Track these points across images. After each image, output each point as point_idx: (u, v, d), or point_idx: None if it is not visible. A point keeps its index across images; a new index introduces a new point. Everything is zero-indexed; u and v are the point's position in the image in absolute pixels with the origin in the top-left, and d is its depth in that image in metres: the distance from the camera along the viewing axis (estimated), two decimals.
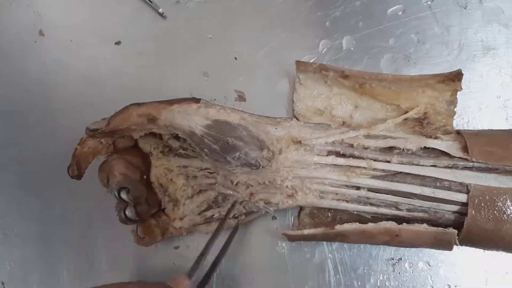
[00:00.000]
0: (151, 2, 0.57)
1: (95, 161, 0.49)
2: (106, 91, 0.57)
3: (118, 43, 0.58)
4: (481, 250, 0.49)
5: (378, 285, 0.51)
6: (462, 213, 0.45)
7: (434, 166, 0.46)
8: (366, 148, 0.47)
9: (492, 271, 0.50)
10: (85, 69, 0.58)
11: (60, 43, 0.59)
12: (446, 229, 0.44)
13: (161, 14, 0.57)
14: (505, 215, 0.43)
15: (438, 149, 0.46)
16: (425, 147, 0.47)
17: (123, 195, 0.47)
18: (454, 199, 0.45)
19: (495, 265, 0.50)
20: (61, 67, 0.59)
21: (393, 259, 0.51)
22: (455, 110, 0.48)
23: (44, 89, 0.59)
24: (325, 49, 0.55)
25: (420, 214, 0.46)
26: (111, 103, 0.49)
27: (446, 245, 0.45)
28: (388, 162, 0.46)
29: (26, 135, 0.59)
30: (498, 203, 0.43)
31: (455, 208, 0.45)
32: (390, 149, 0.47)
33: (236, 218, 0.51)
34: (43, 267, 0.58)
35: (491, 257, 0.49)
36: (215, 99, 0.55)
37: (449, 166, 0.45)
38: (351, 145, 0.47)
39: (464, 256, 0.50)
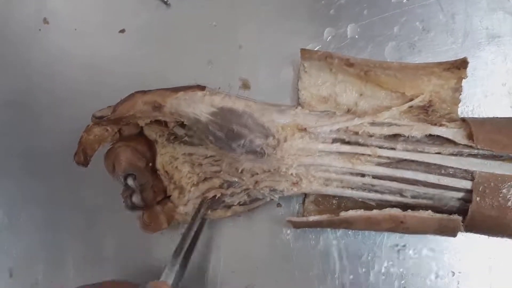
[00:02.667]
0: None
1: (101, 148, 0.49)
2: (110, 79, 0.57)
3: (122, 31, 0.58)
4: (485, 237, 0.49)
5: (383, 271, 0.51)
6: (466, 200, 0.45)
7: (439, 153, 0.46)
8: (371, 136, 0.47)
9: (496, 258, 0.50)
10: (90, 57, 0.58)
11: (65, 31, 0.59)
12: (451, 216, 0.45)
13: (165, 2, 0.57)
14: (509, 202, 0.43)
15: (443, 137, 0.46)
16: (430, 135, 0.46)
17: (129, 182, 0.47)
18: (459, 186, 0.45)
19: (499, 252, 0.50)
20: (65, 56, 0.59)
21: (397, 246, 0.51)
22: (460, 97, 0.48)
23: (49, 78, 0.59)
24: (329, 37, 0.54)
25: (425, 201, 0.46)
26: (116, 91, 0.49)
27: (451, 232, 0.46)
28: (393, 149, 0.46)
29: (31, 124, 0.59)
30: (503, 190, 0.43)
31: (459, 195, 0.45)
32: (395, 136, 0.47)
33: (242, 205, 0.51)
34: (49, 255, 0.58)
35: (495, 244, 0.50)
36: (219, 87, 0.55)
37: (454, 153, 0.45)
38: (356, 133, 0.47)
39: (468, 243, 0.50)
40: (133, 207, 0.48)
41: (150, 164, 0.50)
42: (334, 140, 0.48)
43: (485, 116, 0.51)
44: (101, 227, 0.57)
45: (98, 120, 0.47)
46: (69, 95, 0.58)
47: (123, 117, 0.46)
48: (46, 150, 0.58)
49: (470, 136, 0.45)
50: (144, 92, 0.46)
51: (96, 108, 0.48)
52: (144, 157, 0.49)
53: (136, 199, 0.47)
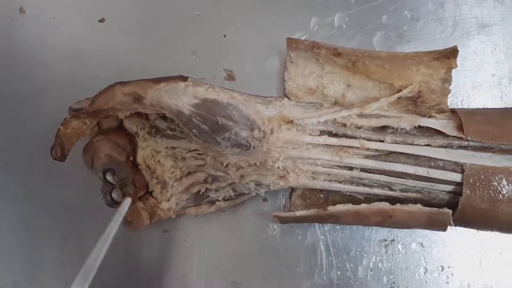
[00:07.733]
0: None
1: (80, 142, 0.47)
2: (90, 70, 0.55)
3: (102, 20, 0.56)
4: (475, 231, 0.49)
5: (371, 266, 0.50)
6: (456, 193, 0.44)
7: (428, 145, 0.45)
8: (359, 128, 0.46)
9: (486, 252, 0.49)
10: (68, 47, 0.56)
11: (42, 20, 0.57)
12: (441, 209, 0.44)
13: None
14: (500, 195, 0.43)
15: (433, 128, 0.45)
16: (419, 126, 0.46)
17: (109, 177, 0.45)
18: (449, 179, 0.44)
19: (489, 246, 0.49)
20: (43, 46, 0.56)
21: (386, 241, 0.50)
22: (449, 88, 0.47)
23: (26, 69, 0.56)
24: (316, 27, 0.53)
25: (414, 195, 0.46)
26: (95, 82, 0.47)
27: (440, 226, 0.45)
28: (382, 141, 0.46)
29: (8, 116, 0.57)
30: (493, 183, 0.43)
31: (449, 188, 0.45)
32: (384, 128, 0.46)
33: (227, 200, 0.50)
34: (28, 255, 0.56)
35: (485, 238, 0.49)
36: (203, 78, 0.53)
37: (444, 145, 0.45)
38: (344, 125, 0.46)
39: (457, 237, 0.50)
40: (113, 203, 0.46)
41: (131, 158, 0.48)
42: (322, 132, 0.47)
43: (475, 107, 0.51)
44: (81, 224, 0.55)
45: (76, 112, 0.45)
46: (47, 86, 0.56)
47: (102, 109, 0.45)
48: (23, 144, 0.56)
49: (460, 128, 0.44)
50: (123, 83, 0.45)
51: (75, 100, 0.46)
52: (125, 151, 0.47)
53: (116, 195, 0.46)
